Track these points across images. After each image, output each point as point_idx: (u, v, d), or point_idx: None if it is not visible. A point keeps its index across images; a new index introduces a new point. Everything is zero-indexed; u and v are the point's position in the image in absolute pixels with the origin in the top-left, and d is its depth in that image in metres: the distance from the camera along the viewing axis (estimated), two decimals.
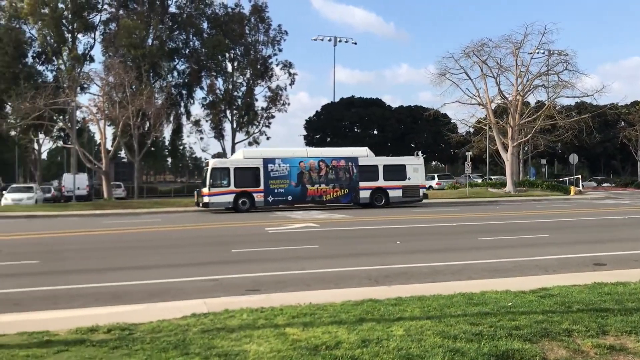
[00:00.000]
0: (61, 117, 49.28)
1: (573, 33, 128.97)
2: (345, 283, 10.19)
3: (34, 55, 55.07)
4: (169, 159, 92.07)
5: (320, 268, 11.71)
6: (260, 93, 63.16)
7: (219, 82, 60.77)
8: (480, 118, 50.36)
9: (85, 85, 52.71)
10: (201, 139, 61.94)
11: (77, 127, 51.20)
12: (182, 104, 61.28)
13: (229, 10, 60.14)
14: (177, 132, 63.13)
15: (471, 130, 54.91)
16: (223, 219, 25.38)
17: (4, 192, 42.99)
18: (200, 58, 59.10)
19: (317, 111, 73.80)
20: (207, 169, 30.42)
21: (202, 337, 6.27)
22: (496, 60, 45.38)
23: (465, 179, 47.13)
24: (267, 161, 30.17)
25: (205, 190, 29.70)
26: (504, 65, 45.56)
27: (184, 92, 61.03)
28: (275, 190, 30.17)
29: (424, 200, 32.58)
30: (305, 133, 73.18)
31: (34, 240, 18.69)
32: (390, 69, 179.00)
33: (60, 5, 52.52)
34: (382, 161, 33.39)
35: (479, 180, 55.34)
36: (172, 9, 59.07)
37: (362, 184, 31.49)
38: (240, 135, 62.13)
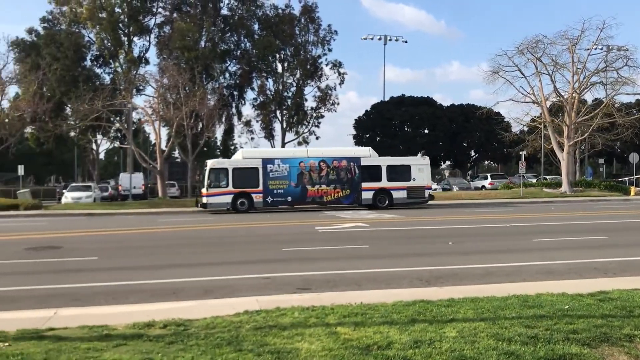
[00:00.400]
0: (118, 118, 50.78)
1: (634, 28, 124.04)
2: (396, 283, 10.13)
3: (92, 58, 56.94)
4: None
5: (370, 268, 11.68)
6: (310, 93, 63.46)
7: (269, 83, 61.38)
8: (535, 116, 49.11)
9: (141, 87, 54.16)
10: (252, 139, 62.74)
11: (133, 128, 52.72)
12: (234, 105, 62.17)
13: (280, 11, 60.67)
14: (229, 132, 64.08)
15: (525, 129, 53.57)
16: (275, 218, 25.61)
17: (64, 191, 44.71)
18: (251, 59, 59.80)
19: (366, 110, 73.58)
20: (205, 170, 30.55)
21: (254, 334, 6.36)
22: (551, 57, 44.17)
23: (519, 179, 46.07)
24: (266, 161, 30.01)
25: (203, 190, 30.00)
26: (560, 62, 44.28)
27: (235, 93, 61.89)
28: (275, 191, 29.96)
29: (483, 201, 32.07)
30: (354, 132, 73.08)
31: (92, 237, 19.35)
32: (441, 67, 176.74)
33: (117, 10, 54.13)
34: (385, 161, 32.76)
35: (534, 180, 53.92)
36: (224, 11, 60.00)
37: (364, 185, 30.91)
38: (290, 135, 62.63)
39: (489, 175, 56.83)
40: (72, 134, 55.18)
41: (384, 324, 6.71)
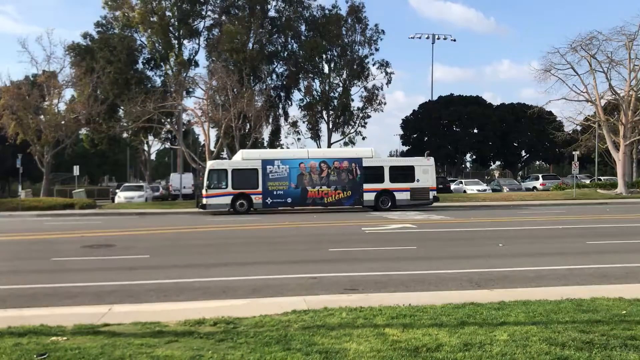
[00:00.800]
0: (169, 120, 51.88)
1: None
2: (445, 285, 10.01)
3: (144, 61, 58.36)
4: None
5: (418, 269, 11.58)
6: (356, 93, 63.38)
7: (316, 84, 61.53)
8: (589, 115, 47.59)
9: (191, 89, 55.17)
10: (298, 139, 63.09)
11: (183, 129, 53.82)
12: (281, 106, 62.66)
13: (326, 12, 60.74)
14: (276, 133, 64.61)
15: (578, 128, 51.96)
16: (323, 218, 25.68)
17: (117, 190, 46.03)
18: (298, 60, 60.14)
19: (414, 110, 73.02)
20: (205, 171, 30.69)
21: (302, 333, 6.40)
22: (606, 54, 42.70)
23: (572, 180, 44.72)
24: (265, 162, 29.93)
25: (203, 191, 30.04)
26: (616, 59, 42.73)
27: (282, 94, 62.39)
28: (274, 192, 29.87)
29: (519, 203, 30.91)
30: (401, 132, 72.60)
31: (144, 236, 19.84)
32: (490, 66, 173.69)
33: (168, 13, 55.33)
34: (388, 162, 32.41)
35: (587, 181, 52.31)
36: (272, 13, 60.55)
37: (366, 186, 30.46)
38: (336, 136, 62.65)
39: (540, 176, 55.38)
40: (125, 135, 56.66)
41: (433, 326, 6.64)
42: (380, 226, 21.12)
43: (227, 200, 29.50)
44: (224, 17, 57.45)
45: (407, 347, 5.82)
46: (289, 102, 63.30)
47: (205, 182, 29.83)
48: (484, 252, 14.16)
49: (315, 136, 62.16)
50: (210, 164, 30.55)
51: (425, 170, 31.02)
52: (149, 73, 58.75)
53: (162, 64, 57.11)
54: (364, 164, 30.53)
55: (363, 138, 64.86)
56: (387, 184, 30.41)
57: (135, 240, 18.19)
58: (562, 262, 12.29)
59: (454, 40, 70.57)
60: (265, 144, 66.49)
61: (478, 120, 68.23)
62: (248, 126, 49.02)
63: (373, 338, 6.17)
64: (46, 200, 37.12)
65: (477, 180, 53.72)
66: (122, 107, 52.30)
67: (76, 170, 43.22)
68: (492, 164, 79.95)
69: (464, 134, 68.31)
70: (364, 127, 63.12)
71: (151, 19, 52.98)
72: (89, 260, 13.78)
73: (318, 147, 63.45)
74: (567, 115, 70.61)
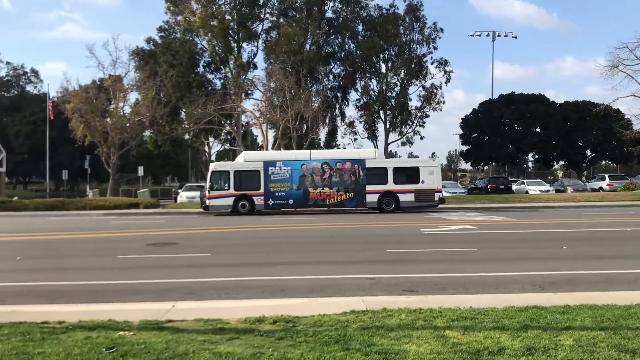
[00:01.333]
0: (228, 122, 52.93)
1: None
2: (507, 288, 9.78)
3: (205, 64, 59.70)
4: None
5: (479, 271, 11.36)
6: (414, 92, 62.67)
7: (373, 83, 61.29)
8: None
9: (249, 92, 56.09)
10: (355, 140, 63.04)
11: (242, 131, 54.84)
12: (337, 106, 62.79)
13: (384, 11, 60.41)
14: (332, 133, 64.76)
15: None
16: (381, 219, 25.57)
17: (179, 190, 47.28)
18: (355, 60, 60.10)
19: (474, 109, 71.47)
20: (208, 172, 30.84)
21: (361, 333, 6.40)
22: None
23: None
24: (267, 164, 29.89)
25: (206, 193, 30.28)
26: None
27: (339, 94, 62.49)
28: (276, 194, 29.80)
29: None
30: (461, 132, 71.31)
31: (205, 235, 20.29)
32: (553, 63, 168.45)
33: (227, 17, 56.41)
34: (392, 163, 31.74)
35: None
36: (329, 14, 60.78)
37: (369, 188, 29.92)
38: (393, 136, 62.25)
39: (607, 176, 53.19)
40: (187, 136, 58.17)
41: (495, 329, 6.51)
42: (440, 227, 20.84)
43: (230, 201, 29.64)
44: (281, 20, 58.07)
45: (468, 349, 5.73)
46: (346, 103, 63.41)
47: (208, 184, 30.19)
48: (547, 254, 13.75)
49: (372, 136, 61.98)
50: (212, 166, 30.90)
51: (430, 171, 30.34)
52: (210, 76, 60.08)
53: (221, 66, 58.26)
54: (367, 165, 30.15)
55: (421, 138, 64.35)
56: (390, 186, 29.92)
57: (196, 239, 18.63)
58: (631, 265, 11.77)
59: (515, 37, 68.65)
60: (322, 144, 66.85)
61: (540, 119, 66.11)
62: (305, 127, 49.39)
63: (433, 340, 6.11)
64: (112, 200, 38.52)
65: (539, 180, 52.12)
66: (184, 110, 53.75)
67: (140, 170, 44.71)
68: (555, 163, 77.38)
69: (525, 133, 66.38)
70: (422, 126, 62.50)
71: (211, 23, 54.13)
72: (153, 258, 14.23)
73: (375, 147, 63.24)
74: (636, 113, 67.60)
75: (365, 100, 60.56)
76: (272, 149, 47.07)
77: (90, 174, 42.89)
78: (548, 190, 46.16)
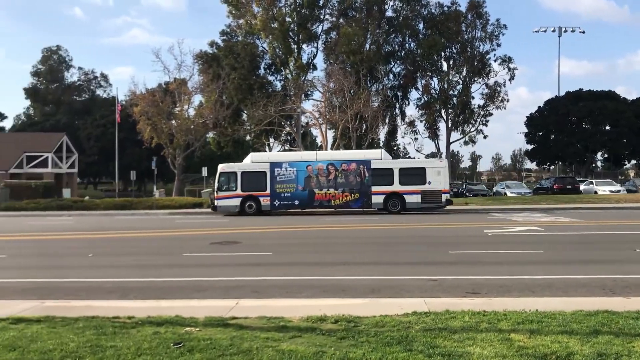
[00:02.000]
0: (288, 122, 53.50)
1: None
2: (575, 291, 9.46)
3: (265, 66, 60.62)
4: None
5: (545, 274, 11.03)
6: (477, 90, 61.53)
7: (434, 82, 60.56)
8: None
9: (309, 92, 56.54)
10: (415, 139, 62.53)
11: (302, 131, 55.27)
12: (397, 106, 62.41)
13: (445, 8, 59.61)
14: (392, 133, 64.38)
15: None
16: (443, 219, 25.23)
17: None
18: (415, 59, 59.53)
19: (539, 107, 69.40)
20: (216, 173, 31.05)
21: (424, 335, 6.34)
22: None
23: None
24: (273, 165, 30.02)
25: (214, 194, 30.64)
26: None
27: (399, 93, 62.08)
28: (282, 195, 29.87)
29: None
30: (525, 130, 69.40)
31: (266, 234, 20.56)
32: (624, 58, 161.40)
33: (288, 19, 57.08)
34: (398, 164, 30.95)
35: None
36: (389, 13, 60.52)
37: (374, 189, 29.50)
38: (455, 135, 61.31)
39: None
40: (248, 137, 59.16)
41: (563, 334, 6.32)
42: (504, 228, 20.36)
43: (237, 202, 29.92)
44: (341, 20, 58.23)
45: (534, 354, 5.59)
46: (406, 102, 62.94)
47: (216, 185, 30.60)
48: (618, 257, 13.19)
49: (434, 135, 61.24)
50: (220, 167, 31.14)
51: (437, 172, 29.59)
52: (270, 78, 60.94)
53: (282, 68, 58.96)
54: (373, 166, 29.78)
55: (484, 137, 63.05)
56: (396, 187, 29.44)
57: (258, 238, 18.93)
58: None
59: (583, 32, 66.00)
60: (382, 144, 66.52)
61: (610, 116, 63.40)
62: (364, 127, 49.30)
63: (498, 343, 5.99)
64: (178, 200, 39.65)
65: (609, 180, 50.01)
66: (245, 111, 54.72)
67: (204, 171, 45.77)
68: (626, 163, 74.00)
69: (594, 131, 63.87)
70: (485, 125, 61.36)
71: (272, 25, 54.89)
72: (217, 256, 14.56)
73: (436, 147, 62.47)
74: None
75: (426, 99, 59.92)
76: (332, 149, 47.22)
77: (156, 174, 44.33)
78: (619, 191, 44.21)
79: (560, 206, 32.21)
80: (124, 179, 66.63)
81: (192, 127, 46.50)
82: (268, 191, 29.84)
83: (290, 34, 57.61)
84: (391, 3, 59.97)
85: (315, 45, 59.85)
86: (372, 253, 14.99)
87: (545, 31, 62.22)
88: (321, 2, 57.78)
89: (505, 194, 46.09)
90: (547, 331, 6.44)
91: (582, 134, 63.76)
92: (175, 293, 9.93)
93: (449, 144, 61.41)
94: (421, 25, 60.59)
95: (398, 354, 5.59)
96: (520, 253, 14.14)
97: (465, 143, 62.46)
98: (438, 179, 29.41)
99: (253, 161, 30.91)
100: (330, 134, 51.77)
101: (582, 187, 47.23)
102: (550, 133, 65.81)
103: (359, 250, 15.58)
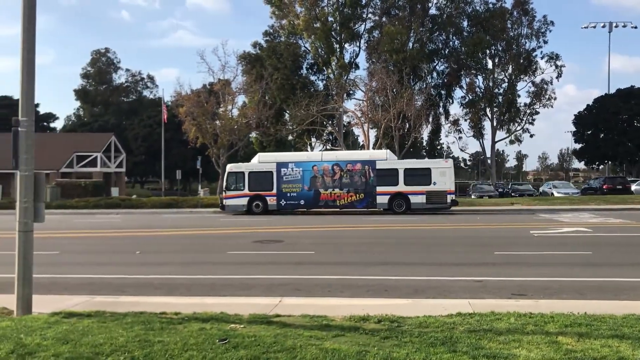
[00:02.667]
0: (330, 122, 53.58)
1: None
2: (626, 295, 9.18)
3: (308, 66, 60.89)
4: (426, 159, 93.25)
5: (594, 276, 10.74)
6: (523, 88, 60.26)
7: (479, 80, 59.61)
8: None
9: (351, 92, 56.47)
10: (459, 138, 61.66)
11: (344, 131, 55.22)
12: (441, 104, 61.68)
13: (490, 6, 58.61)
14: (436, 132, 63.71)
15: None
16: (487, 220, 24.86)
17: None
18: (459, 57, 58.73)
19: (588, 105, 67.40)
20: (225, 173, 31.47)
21: (468, 336, 6.26)
22: None
23: None
24: (280, 165, 30.25)
25: (223, 193, 31.12)
26: None
27: (442, 92, 61.36)
28: (288, 194, 30.09)
29: None
30: (573, 129, 67.54)
31: (308, 233, 20.64)
32: None
33: (330, 19, 57.19)
34: (403, 164, 30.48)
35: None
36: (432, 11, 59.90)
37: (379, 189, 29.40)
38: (500, 134, 60.20)
39: None
40: (290, 137, 59.53)
41: (613, 337, 6.14)
42: (551, 229, 19.91)
43: (244, 201, 30.31)
44: (384, 19, 57.98)
45: (583, 357, 5.46)
46: (450, 100, 62.19)
47: (224, 185, 31.11)
48: None
49: (478, 134, 60.27)
50: (229, 167, 31.64)
51: (442, 172, 29.25)
52: (312, 77, 61.18)
53: (324, 68, 59.09)
54: (378, 167, 29.64)
55: (531, 136, 61.83)
56: (401, 187, 29.25)
57: (300, 237, 19.02)
58: None
59: (635, 27, 63.66)
60: (425, 143, 65.93)
61: None
62: (407, 126, 48.92)
63: (545, 346, 5.87)
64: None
65: None
66: (287, 111, 55.05)
67: None
68: None
69: None
70: (532, 124, 60.13)
71: (314, 25, 55.07)
72: (260, 255, 14.73)
73: (481, 146, 61.52)
74: None
75: (470, 97, 59.05)
76: (374, 148, 47.02)
77: (201, 173, 45.03)
78: None
79: (610, 207, 31.28)
80: (169, 178, 68.02)
81: (235, 127, 47.08)
82: (275, 191, 30.22)
83: (333, 33, 57.69)
84: (435, 1, 59.43)
85: (358, 44, 59.79)
86: (415, 253, 14.89)
87: (594, 27, 60.40)
88: (364, 1, 57.67)
89: (552, 194, 45.01)
90: (597, 335, 6.28)
91: (633, 133, 61.62)
92: (220, 290, 10.09)
93: (494, 143, 60.39)
94: (465, 23, 59.79)
95: (442, 355, 5.54)
96: (567, 255, 13.80)
97: (511, 142, 61.34)
98: (443, 179, 29.27)
99: (260, 161, 31.36)
100: (373, 134, 51.62)
101: (633, 187, 45.64)
102: (599, 132, 63.87)
103: (402, 251, 15.51)
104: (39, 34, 8.05)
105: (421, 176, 29.41)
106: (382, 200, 29.58)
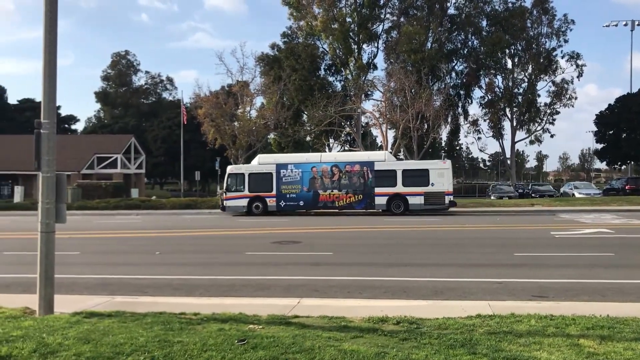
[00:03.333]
0: (348, 123, 53.49)
1: None
2: None
3: (326, 67, 60.85)
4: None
5: (616, 278, 10.60)
6: (543, 88, 59.61)
7: (498, 80, 59.03)
8: None
9: (369, 92, 56.32)
10: (479, 138, 61.13)
11: (362, 132, 55.15)
12: (460, 105, 61.22)
13: (509, 5, 58.05)
14: (455, 132, 63.23)
15: None
16: (508, 221, 24.64)
17: None
18: (478, 57, 58.28)
19: (609, 104, 66.32)
20: (225, 175, 31.69)
21: (488, 338, 6.21)
22: None
23: None
24: (279, 167, 30.47)
25: (223, 194, 31.38)
26: None
27: (461, 92, 60.92)
28: (287, 196, 30.29)
29: None
30: (595, 129, 66.62)
31: (326, 234, 20.65)
32: None
33: (348, 20, 57.11)
34: (401, 166, 30.67)
35: None
36: (451, 11, 59.53)
37: (378, 190, 29.51)
38: (520, 134, 59.59)
39: None
40: (308, 138, 59.55)
41: (637, 340, 6.05)
42: (572, 230, 19.67)
43: (244, 202, 30.54)
44: (402, 19, 57.76)
45: None
46: (469, 101, 61.70)
47: (225, 186, 31.31)
48: None
49: (498, 135, 59.71)
50: (229, 169, 31.90)
51: (440, 173, 29.17)
52: (330, 78, 61.14)
53: (342, 69, 59.04)
54: (376, 168, 29.72)
55: (551, 136, 61.21)
56: (399, 188, 29.26)
57: (318, 238, 19.02)
58: None
59: None
60: (444, 143, 65.55)
61: None
62: (426, 126, 48.64)
63: (566, 348, 5.79)
64: None
65: None
66: (305, 112, 55.07)
67: None
68: None
69: None
70: (552, 124, 59.35)
71: (332, 26, 55.04)
72: (278, 255, 14.75)
73: (500, 146, 60.99)
74: None
75: (489, 97, 58.53)
76: (392, 149, 46.85)
77: (220, 174, 45.25)
78: None
79: (632, 208, 30.82)
80: (189, 179, 68.50)
81: (254, 128, 47.19)
82: (274, 192, 30.41)
83: (351, 34, 57.61)
84: (453, 0, 59.03)
85: (376, 45, 59.62)
86: (434, 254, 14.80)
87: (616, 25, 59.55)
88: (382, 2, 57.50)
89: (573, 194, 44.48)
90: (620, 338, 6.18)
91: None
92: (239, 291, 10.13)
93: (513, 143, 59.84)
94: (484, 23, 59.23)
95: (462, 357, 5.49)
96: (589, 256, 13.62)
97: (531, 142, 60.65)
98: (441, 180, 29.22)
99: (260, 163, 31.53)
100: (391, 134, 51.40)
101: None
102: (621, 132, 62.86)
103: (420, 252, 15.43)
104: (59, 37, 8.15)
105: (419, 177, 29.50)
106: (380, 201, 29.70)
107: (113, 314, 7.71)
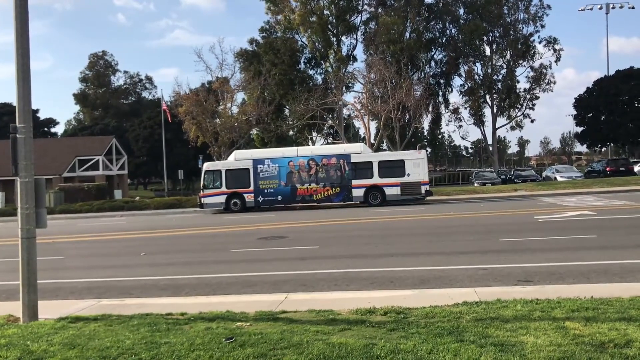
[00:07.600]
0: (330, 116, 53.46)
1: None
2: (633, 277, 9.17)
3: (305, 61, 60.70)
4: (428, 149, 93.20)
5: (600, 260, 10.71)
6: (522, 74, 59.99)
7: (477, 67, 59.34)
8: None
9: (350, 84, 56.31)
10: (460, 126, 61.49)
11: (344, 124, 55.15)
12: (440, 93, 61.50)
13: None
14: (436, 121, 63.54)
15: None
16: (491, 207, 24.82)
17: None
18: (457, 45, 58.47)
19: (587, 87, 67.11)
20: (202, 172, 31.60)
21: (475, 325, 6.25)
22: None
23: None
24: (256, 162, 30.33)
25: (201, 192, 31.30)
26: None
27: (441, 81, 61.17)
28: (265, 191, 30.23)
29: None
30: (574, 112, 67.31)
31: (312, 227, 20.65)
32: None
33: (326, 12, 56.97)
34: (377, 157, 30.95)
35: None
36: (428, 0, 59.63)
37: (355, 182, 29.72)
38: (501, 120, 59.99)
39: None
40: (291, 132, 59.44)
41: (621, 320, 6.12)
42: (555, 214, 19.87)
43: (222, 199, 30.45)
44: (380, 10, 57.73)
45: (591, 342, 5.43)
46: (449, 89, 62.03)
47: (202, 183, 31.20)
48: None
49: (479, 122, 60.08)
50: (205, 166, 31.71)
51: (416, 164, 29.41)
52: (310, 72, 61.03)
53: (322, 62, 58.95)
54: (352, 160, 29.90)
55: (532, 121, 61.57)
56: (376, 180, 29.50)
57: (304, 232, 19.03)
58: None
59: (632, 8, 63.32)
60: (426, 133, 65.76)
61: None
62: (407, 116, 48.80)
63: (552, 331, 5.85)
64: None
65: None
66: (287, 107, 54.94)
67: None
68: None
69: None
70: (532, 109, 59.82)
71: (310, 19, 54.87)
72: (264, 251, 14.71)
73: (482, 133, 61.38)
74: None
75: (469, 85, 58.83)
76: (375, 140, 46.91)
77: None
78: None
79: (613, 189, 31.22)
80: (172, 178, 67.98)
81: (235, 124, 46.96)
82: (252, 188, 30.33)
83: (329, 26, 57.49)
84: None
85: (355, 36, 59.58)
86: (420, 243, 14.87)
87: (591, 9, 60.12)
88: None
89: (556, 178, 44.91)
90: (604, 318, 6.26)
91: (634, 114, 61.37)
92: (226, 288, 10.09)
93: (495, 129, 60.24)
94: (462, 11, 59.44)
95: (449, 345, 5.52)
96: (572, 239, 13.76)
97: (512, 128, 61.10)
98: (417, 170, 29.40)
99: (237, 158, 31.32)
100: (373, 125, 51.49)
101: (636, 168, 45.60)
102: (600, 114, 63.63)
103: (406, 241, 15.49)
104: (36, 40, 8.07)
105: (395, 168, 29.65)
106: (357, 193, 29.80)
107: (99, 318, 7.64)
